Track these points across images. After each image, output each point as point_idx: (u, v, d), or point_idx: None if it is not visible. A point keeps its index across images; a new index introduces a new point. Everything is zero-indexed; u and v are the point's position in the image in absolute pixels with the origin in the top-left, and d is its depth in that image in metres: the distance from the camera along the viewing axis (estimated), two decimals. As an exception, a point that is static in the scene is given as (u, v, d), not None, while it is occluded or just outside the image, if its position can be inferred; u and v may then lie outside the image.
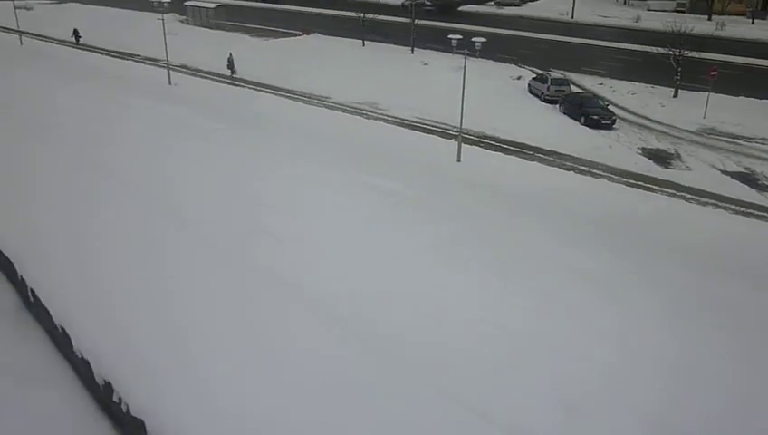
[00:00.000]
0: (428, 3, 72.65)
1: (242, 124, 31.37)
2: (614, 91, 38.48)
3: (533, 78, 39.05)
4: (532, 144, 29.35)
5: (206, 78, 42.94)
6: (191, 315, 11.06)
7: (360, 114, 34.34)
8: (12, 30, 56.28)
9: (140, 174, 21.05)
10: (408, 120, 33.14)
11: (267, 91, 39.31)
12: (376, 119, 33.58)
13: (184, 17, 65.62)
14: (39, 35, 59.29)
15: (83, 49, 53.70)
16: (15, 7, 55.37)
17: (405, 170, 25.24)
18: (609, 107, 33.92)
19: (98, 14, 74.30)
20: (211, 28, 62.18)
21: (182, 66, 44.75)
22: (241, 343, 10.07)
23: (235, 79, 41.87)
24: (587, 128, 31.88)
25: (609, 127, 31.80)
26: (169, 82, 40.23)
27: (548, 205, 22.49)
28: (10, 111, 29.18)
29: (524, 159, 27.73)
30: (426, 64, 45.38)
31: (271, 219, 17.66)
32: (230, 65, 42.11)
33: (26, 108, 30.91)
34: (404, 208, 20.34)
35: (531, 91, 38.16)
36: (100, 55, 51.06)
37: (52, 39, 58.30)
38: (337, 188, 21.82)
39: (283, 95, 38.40)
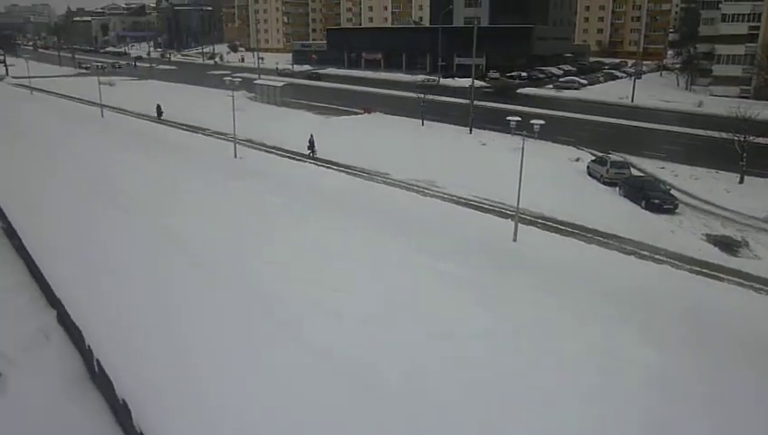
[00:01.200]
0: (487, 84, 74.40)
1: (298, 197, 32.25)
2: (676, 176, 37.86)
3: (593, 160, 38.91)
4: (591, 226, 28.90)
5: (270, 152, 44.68)
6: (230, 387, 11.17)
7: (417, 191, 34.81)
8: (95, 103, 60.57)
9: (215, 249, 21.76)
10: (464, 199, 33.34)
11: (327, 167, 40.48)
12: (433, 196, 33.95)
13: (252, 94, 69.30)
14: (119, 108, 63.55)
15: (162, 123, 57.10)
16: (99, 83, 59.71)
17: (459, 248, 25.15)
18: (671, 191, 33.28)
19: (174, 90, 79.47)
20: (277, 105, 65.29)
21: (248, 140, 46.84)
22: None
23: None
24: (648, 212, 31.23)
25: (671, 211, 31.11)
26: (235, 156, 42.04)
27: (606, 291, 21.86)
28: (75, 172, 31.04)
29: (583, 242, 27.26)
30: (483, 144, 45.98)
31: (313, 292, 17.83)
32: (311, 146, 43.05)
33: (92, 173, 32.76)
34: (454, 288, 20.17)
35: (590, 174, 37.95)
36: (176, 130, 54.14)
37: (131, 112, 62.37)
38: (388, 265, 21.88)
39: (343, 171, 39.41)
